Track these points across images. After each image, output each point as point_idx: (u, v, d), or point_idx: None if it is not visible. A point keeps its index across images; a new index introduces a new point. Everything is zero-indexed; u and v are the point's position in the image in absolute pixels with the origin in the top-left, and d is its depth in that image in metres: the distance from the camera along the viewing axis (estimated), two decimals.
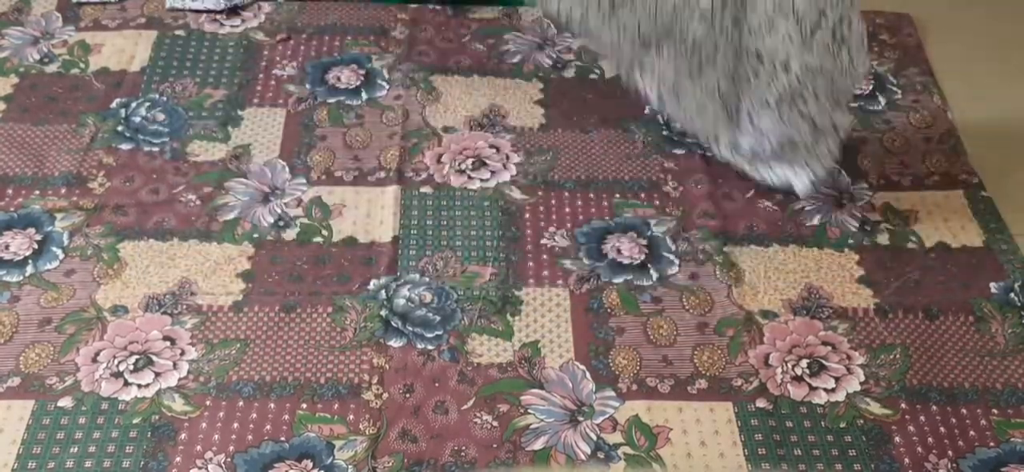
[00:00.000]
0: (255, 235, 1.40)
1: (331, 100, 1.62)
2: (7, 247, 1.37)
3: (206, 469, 1.14)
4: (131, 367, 1.23)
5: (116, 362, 1.24)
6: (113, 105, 1.57)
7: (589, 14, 1.42)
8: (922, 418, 1.21)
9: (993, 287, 1.36)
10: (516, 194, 1.48)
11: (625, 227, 1.43)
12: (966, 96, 1.65)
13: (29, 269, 1.34)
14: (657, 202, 1.47)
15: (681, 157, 1.54)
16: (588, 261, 1.38)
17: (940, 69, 1.69)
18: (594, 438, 1.18)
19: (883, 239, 1.42)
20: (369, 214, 1.44)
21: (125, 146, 1.51)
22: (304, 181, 1.49)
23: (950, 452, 1.18)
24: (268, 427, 1.18)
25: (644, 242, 1.41)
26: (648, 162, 1.53)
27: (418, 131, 1.58)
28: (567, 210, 1.46)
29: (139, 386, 1.21)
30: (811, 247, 1.41)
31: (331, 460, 1.15)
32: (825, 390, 1.24)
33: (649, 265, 1.38)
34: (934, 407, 1.22)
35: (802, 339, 1.29)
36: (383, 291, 1.33)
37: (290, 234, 1.40)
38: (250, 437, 1.17)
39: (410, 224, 1.43)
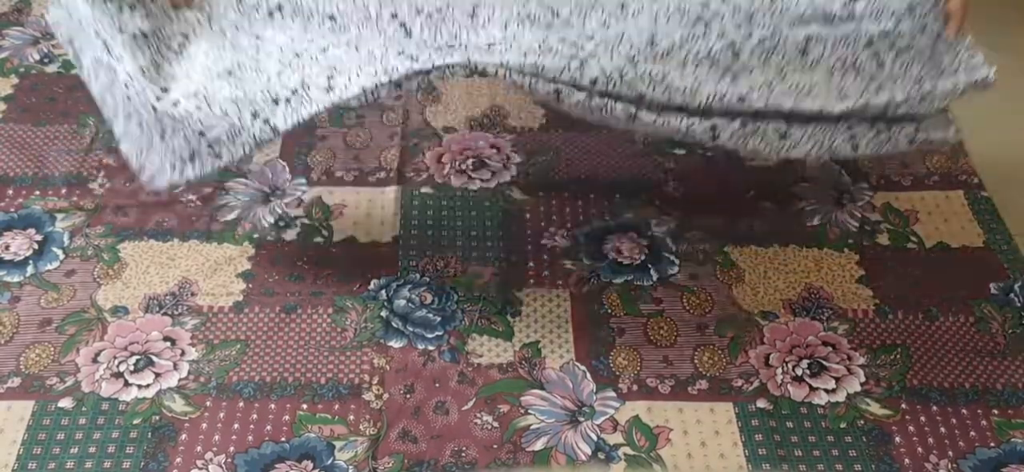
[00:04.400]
0: (255, 235, 1.40)
1: None
2: (7, 247, 1.37)
3: (206, 469, 1.14)
4: (131, 367, 1.23)
5: (116, 362, 1.24)
6: None
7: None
8: (922, 418, 1.21)
9: (993, 287, 1.36)
10: (516, 194, 1.48)
11: (625, 227, 1.43)
12: (966, 95, 1.64)
13: (30, 269, 1.34)
14: (657, 202, 1.47)
15: (681, 157, 1.54)
16: (588, 261, 1.38)
17: None
18: (594, 438, 1.18)
19: (883, 239, 1.42)
20: (369, 214, 1.45)
21: None
22: (304, 181, 1.49)
23: (950, 452, 1.18)
24: (268, 428, 1.18)
25: (644, 242, 1.41)
26: (648, 162, 1.53)
27: (418, 131, 1.58)
28: (567, 210, 1.46)
29: (139, 386, 1.21)
30: (811, 247, 1.41)
31: (331, 460, 1.15)
32: (825, 390, 1.24)
33: (649, 265, 1.38)
34: (934, 407, 1.22)
35: (802, 339, 1.29)
36: (383, 291, 1.33)
37: (291, 234, 1.40)
38: (250, 438, 1.17)
39: (410, 224, 1.43)
